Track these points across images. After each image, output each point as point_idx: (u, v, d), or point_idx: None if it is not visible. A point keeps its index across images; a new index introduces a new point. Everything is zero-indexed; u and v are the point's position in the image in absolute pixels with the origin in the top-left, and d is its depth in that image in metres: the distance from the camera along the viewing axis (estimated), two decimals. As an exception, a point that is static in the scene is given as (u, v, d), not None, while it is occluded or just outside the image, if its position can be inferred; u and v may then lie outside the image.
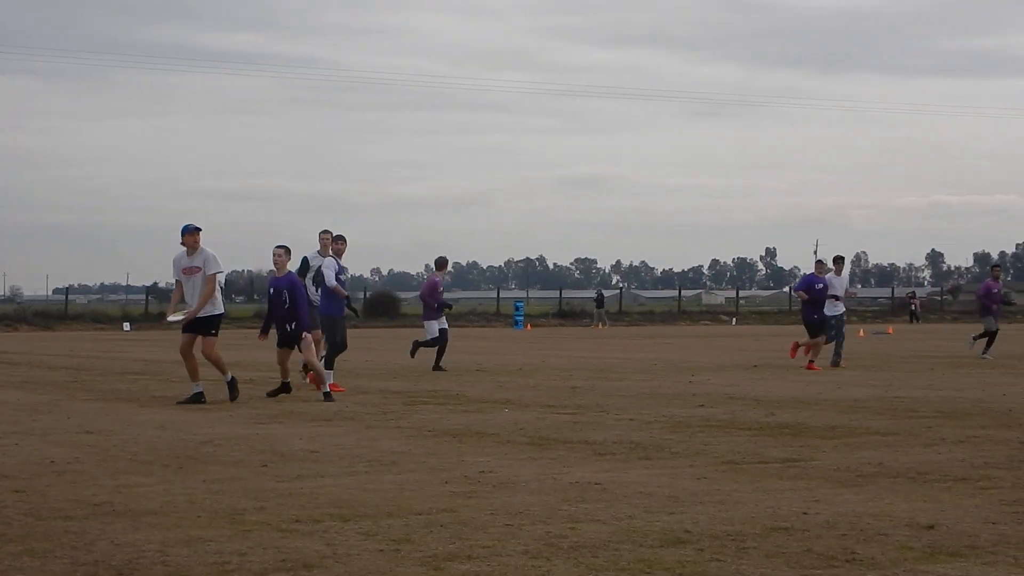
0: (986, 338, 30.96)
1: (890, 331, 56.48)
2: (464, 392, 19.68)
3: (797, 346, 27.30)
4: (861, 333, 53.31)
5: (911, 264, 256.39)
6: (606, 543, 7.68)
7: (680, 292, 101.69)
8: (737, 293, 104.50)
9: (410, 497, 9.44)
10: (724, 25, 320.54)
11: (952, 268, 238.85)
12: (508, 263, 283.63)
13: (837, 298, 27.22)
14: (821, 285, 26.96)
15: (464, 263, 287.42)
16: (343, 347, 20.74)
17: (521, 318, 68.52)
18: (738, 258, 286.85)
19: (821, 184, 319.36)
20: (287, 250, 18.64)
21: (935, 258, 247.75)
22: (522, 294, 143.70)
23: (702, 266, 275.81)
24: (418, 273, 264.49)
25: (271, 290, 18.70)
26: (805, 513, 8.74)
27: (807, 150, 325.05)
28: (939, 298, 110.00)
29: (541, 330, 62.51)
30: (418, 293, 20.95)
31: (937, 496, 9.52)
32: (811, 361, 26.19)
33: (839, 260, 27.89)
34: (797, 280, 29.87)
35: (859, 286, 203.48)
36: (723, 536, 7.94)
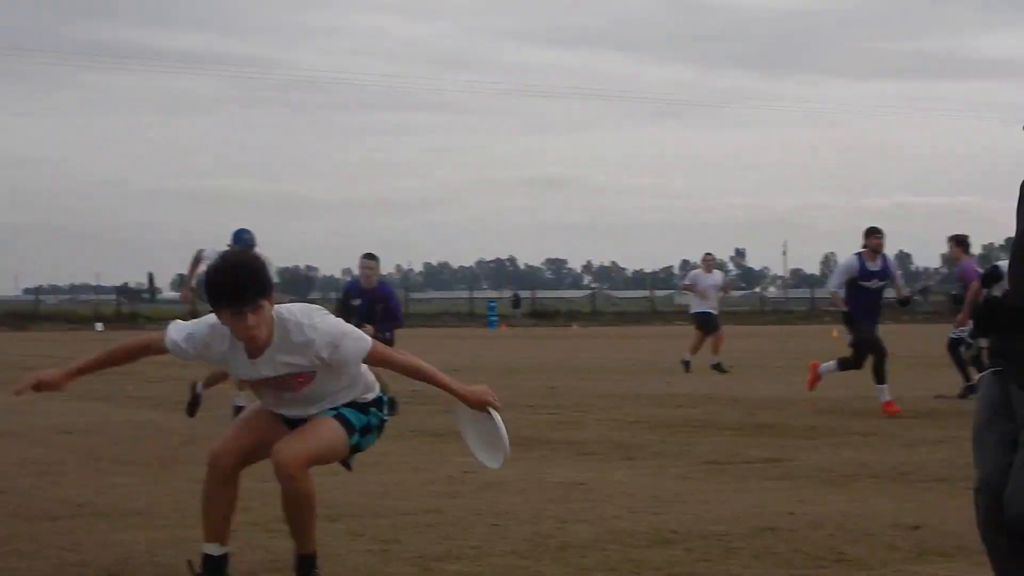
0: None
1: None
2: (443, 393, 19.59)
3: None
4: (835, 334, 53.37)
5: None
6: (594, 543, 7.68)
7: (652, 292, 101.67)
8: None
9: (397, 497, 9.44)
10: (673, 26, 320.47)
11: (921, 269, 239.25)
12: (479, 263, 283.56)
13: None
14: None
15: (434, 262, 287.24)
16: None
17: (495, 318, 68.50)
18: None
19: (785, 185, 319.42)
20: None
21: (903, 259, 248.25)
22: (494, 294, 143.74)
23: (672, 266, 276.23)
24: (388, 273, 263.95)
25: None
26: (791, 513, 8.75)
27: (770, 151, 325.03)
28: (917, 298, 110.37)
29: (515, 330, 62.47)
30: None
31: (921, 496, 9.55)
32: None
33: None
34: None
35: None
36: (710, 536, 7.95)
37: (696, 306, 26.46)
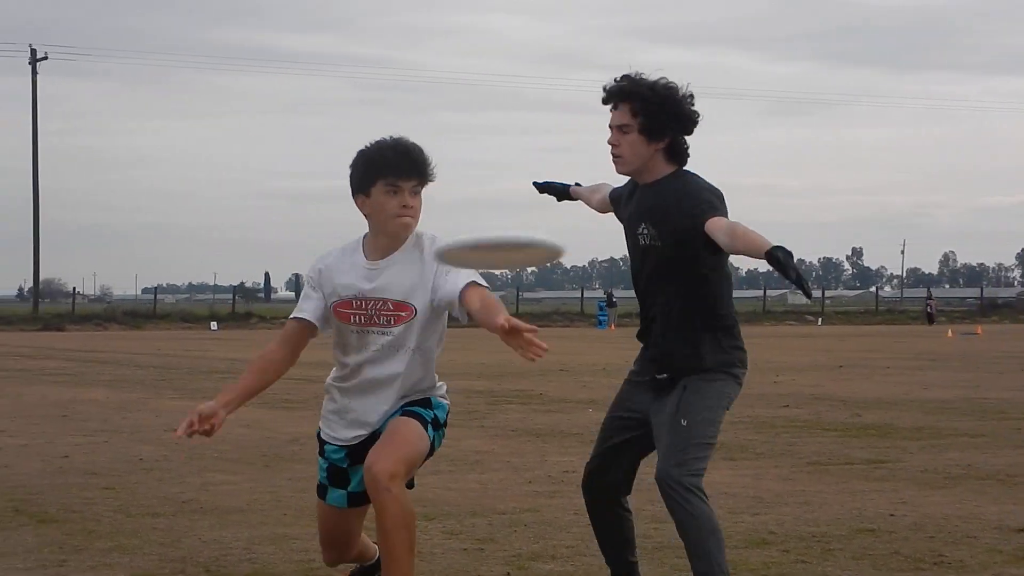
0: None
1: (979, 331, 55.84)
2: (547, 392, 19.68)
3: None
4: (949, 334, 52.78)
5: (1000, 264, 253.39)
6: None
7: (765, 292, 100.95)
8: (823, 293, 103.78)
9: (494, 496, 9.46)
10: (797, 24, 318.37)
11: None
12: (592, 263, 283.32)
13: None
14: None
15: (548, 263, 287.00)
16: None
17: (605, 317, 68.35)
18: (824, 258, 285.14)
19: (902, 183, 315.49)
20: None
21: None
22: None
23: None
24: (502, 274, 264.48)
25: None
26: (892, 515, 8.67)
27: (886, 149, 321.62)
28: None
29: (626, 330, 62.33)
30: None
31: (1026, 499, 9.41)
32: None
33: None
34: None
35: (947, 286, 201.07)
36: (808, 537, 7.90)
37: None
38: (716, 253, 5.72)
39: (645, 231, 5.88)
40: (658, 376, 5.93)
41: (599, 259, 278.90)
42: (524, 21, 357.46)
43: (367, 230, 5.79)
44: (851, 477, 10.51)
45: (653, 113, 5.80)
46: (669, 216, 5.75)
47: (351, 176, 5.71)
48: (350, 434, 5.89)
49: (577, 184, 6.80)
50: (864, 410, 16.41)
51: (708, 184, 5.86)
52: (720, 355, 5.94)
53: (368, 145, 5.69)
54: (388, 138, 5.68)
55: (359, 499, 5.98)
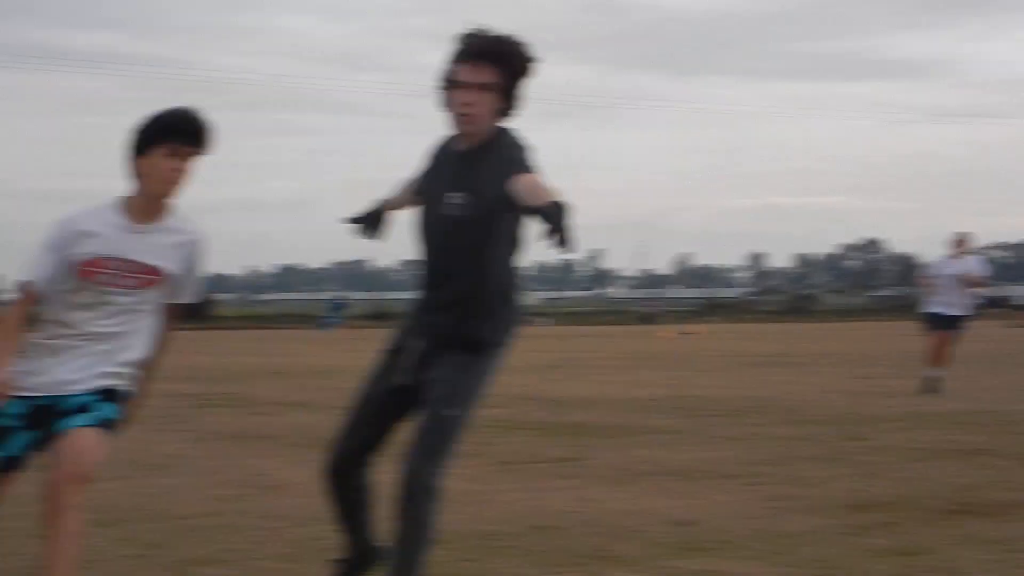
0: None
1: (701, 331, 57.21)
2: (259, 395, 19.50)
3: None
4: (669, 333, 53.98)
5: (729, 264, 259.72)
6: (361, 545, 7.65)
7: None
8: (556, 295, 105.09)
9: (175, 501, 9.33)
10: (581, 28, 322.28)
11: (774, 269, 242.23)
12: (334, 264, 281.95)
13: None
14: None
15: (290, 264, 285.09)
16: None
17: (332, 320, 68.05)
18: (561, 259, 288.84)
19: (650, 187, 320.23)
20: None
21: (757, 259, 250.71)
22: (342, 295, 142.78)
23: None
24: (234, 274, 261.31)
25: None
26: (569, 512, 8.82)
27: (640, 153, 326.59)
28: (755, 298, 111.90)
29: (356, 331, 62.19)
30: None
31: (702, 493, 9.68)
32: None
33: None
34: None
35: (683, 287, 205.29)
36: (480, 536, 7.99)
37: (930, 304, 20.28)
38: (514, 213, 5.48)
39: (458, 200, 5.56)
40: (448, 352, 5.72)
41: (343, 261, 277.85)
42: (314, 22, 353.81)
43: (126, 193, 5.78)
44: (539, 476, 10.67)
45: (518, 75, 5.55)
46: (492, 179, 5.47)
47: (132, 137, 5.72)
48: (48, 380, 5.70)
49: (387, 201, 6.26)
50: (567, 409, 16.67)
51: (524, 142, 5.62)
52: (511, 328, 5.78)
53: (156, 111, 5.74)
54: (178, 107, 5.75)
55: (12, 464, 5.80)
